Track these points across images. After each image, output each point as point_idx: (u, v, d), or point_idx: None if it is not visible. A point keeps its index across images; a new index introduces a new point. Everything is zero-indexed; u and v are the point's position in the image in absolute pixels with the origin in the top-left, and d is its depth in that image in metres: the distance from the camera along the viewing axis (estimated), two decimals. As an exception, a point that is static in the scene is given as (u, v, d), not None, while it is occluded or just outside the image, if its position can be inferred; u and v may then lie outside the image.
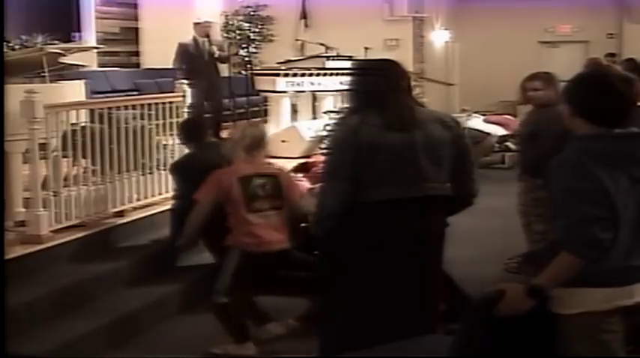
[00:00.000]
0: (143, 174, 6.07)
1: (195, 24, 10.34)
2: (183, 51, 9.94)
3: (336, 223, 3.42)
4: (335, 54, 10.58)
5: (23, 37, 6.71)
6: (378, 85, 3.49)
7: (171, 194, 6.36)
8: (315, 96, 10.50)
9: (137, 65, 13.29)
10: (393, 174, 3.40)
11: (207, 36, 10.11)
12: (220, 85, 10.27)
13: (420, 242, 3.49)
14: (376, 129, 3.39)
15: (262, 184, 4.69)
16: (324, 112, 10.08)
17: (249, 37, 14.51)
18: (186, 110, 6.56)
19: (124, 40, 13.15)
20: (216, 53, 10.11)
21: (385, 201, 3.39)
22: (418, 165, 3.42)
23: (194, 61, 9.85)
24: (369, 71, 3.66)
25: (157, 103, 6.26)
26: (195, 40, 10.04)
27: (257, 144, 4.79)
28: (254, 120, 4.55)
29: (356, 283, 3.48)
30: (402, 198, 3.41)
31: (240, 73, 10.09)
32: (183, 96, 6.47)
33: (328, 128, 9.02)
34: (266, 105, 11.32)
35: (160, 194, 6.28)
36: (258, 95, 11.22)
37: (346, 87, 3.82)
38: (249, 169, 4.70)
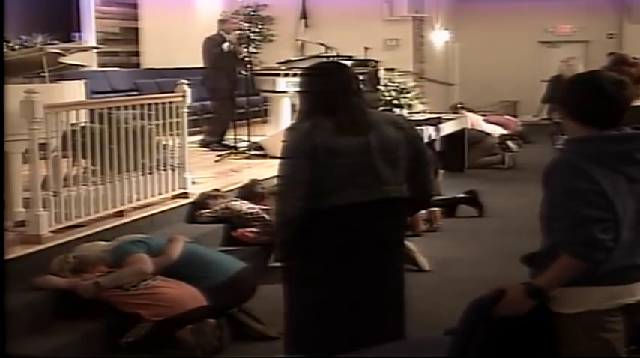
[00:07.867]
0: (143, 174, 6.05)
1: (224, 21, 10.34)
2: (215, 45, 9.88)
3: (296, 230, 3.37)
4: (335, 54, 10.56)
5: (23, 37, 6.69)
6: (329, 88, 3.45)
7: (171, 194, 6.39)
8: (315, 96, 10.48)
9: (137, 65, 13.27)
10: (350, 177, 3.36)
11: (235, 32, 10.18)
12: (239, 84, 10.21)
13: (382, 245, 3.48)
14: (330, 133, 3.35)
15: None
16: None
17: (249, 37, 14.51)
18: (186, 110, 6.55)
19: (124, 40, 13.13)
20: (242, 52, 10.15)
21: (345, 205, 3.35)
22: (375, 167, 3.39)
23: (223, 58, 9.85)
24: (319, 74, 3.61)
25: (156, 103, 6.25)
26: (222, 36, 10.00)
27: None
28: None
29: (320, 289, 3.45)
30: (361, 201, 3.37)
31: (239, 73, 10.10)
32: (183, 96, 6.45)
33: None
34: (266, 105, 11.32)
35: (159, 194, 6.27)
36: (258, 95, 11.22)
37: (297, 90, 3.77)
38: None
